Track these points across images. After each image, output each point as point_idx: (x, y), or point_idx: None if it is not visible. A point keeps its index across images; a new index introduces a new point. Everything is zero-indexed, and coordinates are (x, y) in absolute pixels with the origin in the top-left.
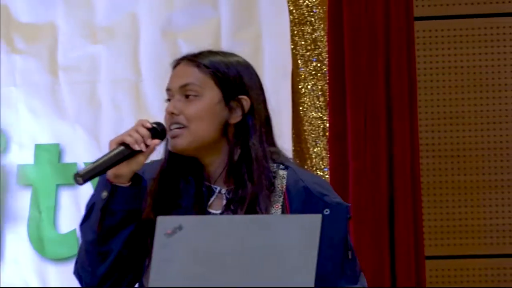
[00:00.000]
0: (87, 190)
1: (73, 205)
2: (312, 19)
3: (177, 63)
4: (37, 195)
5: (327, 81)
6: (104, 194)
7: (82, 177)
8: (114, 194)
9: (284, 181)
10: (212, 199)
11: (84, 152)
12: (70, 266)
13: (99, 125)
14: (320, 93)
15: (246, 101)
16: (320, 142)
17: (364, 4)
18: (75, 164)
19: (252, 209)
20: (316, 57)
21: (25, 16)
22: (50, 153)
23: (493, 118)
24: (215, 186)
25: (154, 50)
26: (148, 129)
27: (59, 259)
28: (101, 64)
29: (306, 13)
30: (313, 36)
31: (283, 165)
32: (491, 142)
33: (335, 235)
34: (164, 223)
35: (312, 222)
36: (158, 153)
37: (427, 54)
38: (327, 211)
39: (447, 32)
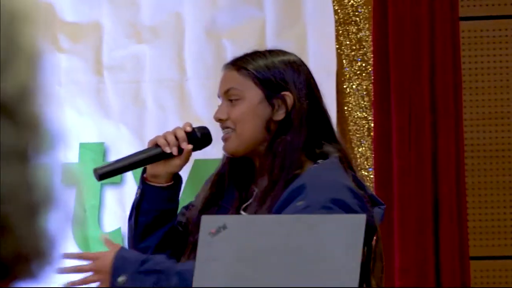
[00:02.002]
0: (131, 188)
1: (117, 204)
2: (357, 19)
3: (223, 69)
4: (81, 194)
5: (372, 81)
6: (138, 192)
7: (97, 173)
8: (145, 193)
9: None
10: (250, 201)
11: (128, 151)
12: None
13: (143, 124)
14: (365, 93)
15: (289, 97)
16: (365, 142)
17: (409, 4)
18: None
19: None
20: (361, 57)
21: (70, 15)
22: (94, 152)
23: None
24: (255, 188)
25: (199, 49)
26: (187, 132)
27: None
28: (146, 64)
29: (351, 13)
30: (358, 36)
31: (317, 163)
32: None
33: None
34: (208, 222)
35: (356, 222)
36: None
37: (472, 54)
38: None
39: (492, 33)
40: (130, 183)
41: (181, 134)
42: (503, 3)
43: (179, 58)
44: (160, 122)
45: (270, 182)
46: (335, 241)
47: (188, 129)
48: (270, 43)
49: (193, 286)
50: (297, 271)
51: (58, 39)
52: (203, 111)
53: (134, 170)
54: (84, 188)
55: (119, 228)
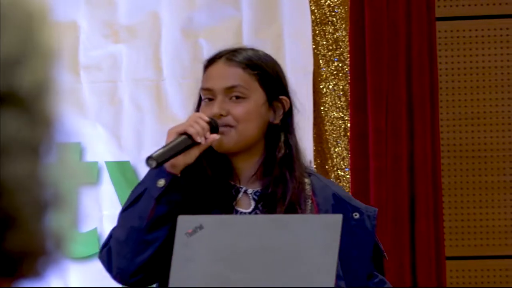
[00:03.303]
0: (107, 188)
1: (93, 204)
2: (334, 19)
3: (213, 61)
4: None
5: (349, 81)
6: (161, 182)
7: (156, 160)
8: (173, 184)
9: (309, 187)
10: (238, 198)
11: (104, 151)
12: (91, 265)
13: (120, 124)
14: (341, 93)
15: (286, 101)
16: (341, 142)
17: (386, 4)
18: (96, 163)
19: (292, 208)
20: (337, 57)
21: None
22: (71, 152)
23: None
24: (241, 186)
25: (175, 49)
26: (207, 122)
27: (80, 258)
28: (122, 63)
29: (328, 13)
30: (335, 36)
31: (305, 172)
32: None
33: (364, 237)
34: (184, 222)
35: (332, 222)
36: None
37: (448, 55)
38: (356, 215)
39: (469, 33)
40: (106, 183)
41: (204, 124)
42: (480, 4)
43: (156, 57)
44: (137, 122)
45: (296, 186)
46: (312, 241)
47: (207, 119)
48: (247, 43)
49: (169, 286)
50: (274, 271)
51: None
52: (180, 110)
53: (110, 169)
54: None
55: (95, 229)
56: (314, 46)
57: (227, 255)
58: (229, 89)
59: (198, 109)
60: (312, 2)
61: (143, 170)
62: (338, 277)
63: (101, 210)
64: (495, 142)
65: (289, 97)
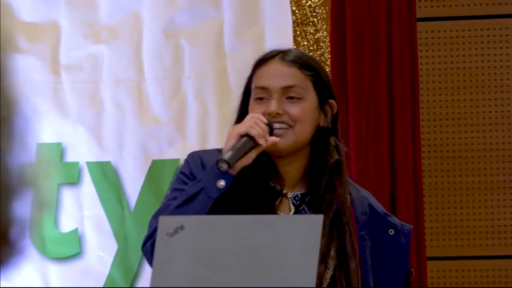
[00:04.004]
0: (88, 189)
1: (74, 204)
2: (315, 19)
3: (266, 60)
4: (38, 194)
5: None
6: (222, 183)
7: (228, 163)
8: (233, 185)
9: (349, 197)
10: (278, 201)
11: (86, 151)
12: (72, 265)
13: (101, 124)
14: None
15: (334, 105)
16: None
17: (367, 5)
18: (77, 163)
19: (338, 215)
20: (318, 57)
21: (28, 15)
22: (52, 152)
23: (495, 119)
24: (281, 189)
25: (157, 49)
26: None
27: (61, 258)
28: (103, 64)
29: (309, 14)
30: (316, 36)
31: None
32: (493, 143)
33: (399, 255)
34: (165, 223)
35: (313, 223)
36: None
37: (429, 55)
38: (391, 232)
39: (450, 33)
40: (87, 183)
41: (264, 126)
42: (460, 4)
43: (137, 58)
44: (118, 122)
45: (343, 193)
46: (293, 241)
47: (265, 121)
48: (228, 43)
49: (150, 286)
50: (255, 272)
51: (15, 39)
52: (161, 111)
53: (91, 169)
54: (41, 188)
55: (76, 229)
56: (295, 47)
57: (208, 255)
58: (287, 89)
59: (242, 107)
60: (293, 2)
61: (124, 170)
62: None
63: (82, 211)
64: (476, 143)
65: (336, 101)
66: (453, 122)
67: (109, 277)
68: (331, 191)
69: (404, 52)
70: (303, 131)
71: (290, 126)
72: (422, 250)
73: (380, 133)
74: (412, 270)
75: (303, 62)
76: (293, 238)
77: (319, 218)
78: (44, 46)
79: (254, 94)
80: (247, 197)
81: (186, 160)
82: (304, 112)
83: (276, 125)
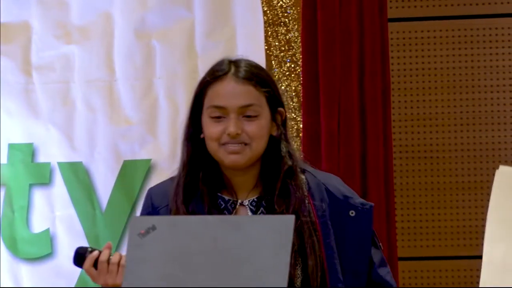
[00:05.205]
0: (60, 189)
1: (46, 205)
2: (286, 20)
3: (220, 77)
4: (10, 194)
5: (301, 82)
6: None
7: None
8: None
9: (305, 186)
10: (235, 210)
11: (57, 151)
12: (43, 266)
13: (72, 125)
14: (293, 94)
15: (283, 113)
16: (293, 143)
17: (338, 5)
18: (48, 163)
19: (295, 220)
20: (290, 58)
21: None
22: (23, 153)
23: (466, 119)
24: (236, 199)
25: (128, 50)
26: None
27: (32, 259)
28: (75, 64)
29: (280, 14)
30: (287, 37)
31: (299, 168)
32: (464, 144)
33: (362, 234)
34: (137, 223)
35: (285, 223)
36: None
37: (400, 56)
38: (352, 213)
39: (421, 34)
40: (58, 184)
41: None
42: (431, 5)
43: (108, 58)
44: (89, 123)
45: (300, 196)
46: (264, 241)
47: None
48: (200, 44)
49: (122, 286)
50: (226, 272)
51: None
52: (132, 111)
53: (63, 170)
54: (12, 189)
55: (48, 229)
56: (266, 47)
57: (180, 255)
58: (243, 108)
59: (191, 124)
60: (264, 3)
61: (95, 171)
62: (337, 281)
63: (53, 211)
64: (447, 143)
65: (283, 107)
66: (424, 123)
67: (81, 277)
68: (286, 196)
69: (376, 53)
70: (260, 147)
71: (247, 144)
72: (393, 250)
73: (352, 133)
74: (381, 244)
75: (257, 79)
76: (265, 238)
77: (290, 218)
78: (15, 46)
79: (209, 112)
80: (200, 211)
81: (144, 199)
82: (261, 129)
83: (232, 145)
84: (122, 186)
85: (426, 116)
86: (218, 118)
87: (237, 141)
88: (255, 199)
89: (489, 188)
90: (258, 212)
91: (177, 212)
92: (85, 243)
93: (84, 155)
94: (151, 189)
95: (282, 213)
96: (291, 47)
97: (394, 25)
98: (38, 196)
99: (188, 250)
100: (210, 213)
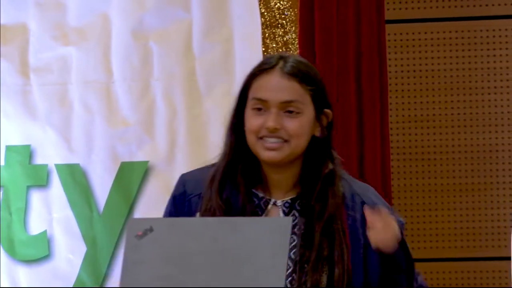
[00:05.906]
0: (57, 191)
1: (43, 207)
2: (284, 21)
3: (266, 70)
4: (7, 196)
5: None
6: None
7: None
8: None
9: (341, 201)
10: (267, 209)
11: (55, 153)
12: (41, 268)
13: (70, 126)
14: None
15: (329, 114)
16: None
17: (336, 7)
18: (45, 165)
19: (329, 224)
20: None
21: None
22: (20, 155)
23: (463, 121)
24: (270, 198)
25: (126, 51)
26: None
27: (30, 261)
28: (72, 66)
29: (278, 16)
30: (284, 38)
31: (339, 175)
32: (461, 146)
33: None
34: (134, 224)
35: (282, 225)
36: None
37: (398, 57)
38: None
39: (418, 36)
40: (56, 186)
41: None
42: (429, 7)
43: (106, 60)
44: (87, 124)
45: (336, 203)
46: (262, 243)
47: None
48: (197, 45)
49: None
50: (224, 273)
51: None
52: (130, 113)
53: (60, 172)
54: (10, 190)
55: (45, 231)
56: (263, 49)
57: (177, 257)
58: (286, 103)
59: (236, 117)
60: (262, 4)
61: (93, 172)
62: None
63: (50, 213)
64: (444, 145)
65: (331, 109)
66: (421, 124)
67: (78, 279)
68: (323, 201)
69: (373, 54)
70: (299, 146)
71: (286, 141)
72: None
73: (349, 135)
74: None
75: (303, 76)
76: (262, 240)
77: (287, 220)
78: (13, 48)
79: (252, 104)
80: (233, 207)
81: (176, 184)
82: (302, 127)
83: (272, 139)
84: (119, 188)
85: (424, 118)
86: (259, 110)
87: (276, 137)
88: (288, 201)
89: (487, 189)
90: (290, 215)
91: (209, 201)
92: (82, 245)
93: (82, 157)
94: (184, 175)
95: (316, 217)
96: (288, 49)
97: (391, 27)
98: (36, 198)
99: (185, 251)
100: (244, 206)
